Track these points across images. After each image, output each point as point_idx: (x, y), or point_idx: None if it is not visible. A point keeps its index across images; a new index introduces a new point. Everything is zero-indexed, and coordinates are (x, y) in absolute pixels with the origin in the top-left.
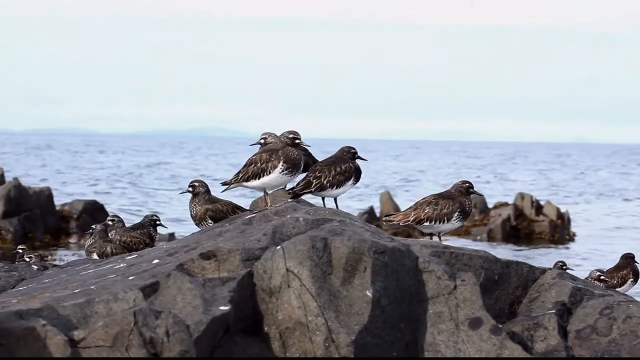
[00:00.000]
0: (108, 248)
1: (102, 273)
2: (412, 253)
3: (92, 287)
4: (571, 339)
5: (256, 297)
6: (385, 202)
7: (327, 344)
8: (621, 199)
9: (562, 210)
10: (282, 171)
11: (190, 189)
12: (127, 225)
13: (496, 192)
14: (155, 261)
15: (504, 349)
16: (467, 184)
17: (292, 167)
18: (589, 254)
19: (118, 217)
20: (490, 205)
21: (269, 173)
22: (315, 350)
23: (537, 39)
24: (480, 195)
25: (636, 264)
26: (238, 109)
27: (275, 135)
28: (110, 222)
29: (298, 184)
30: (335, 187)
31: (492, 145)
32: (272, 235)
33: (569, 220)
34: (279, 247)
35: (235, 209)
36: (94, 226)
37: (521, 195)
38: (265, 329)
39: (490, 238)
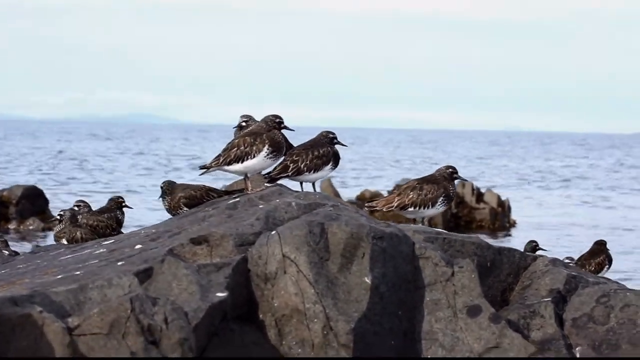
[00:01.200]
0: (78, 233)
1: (83, 258)
2: (409, 239)
3: (76, 272)
4: (567, 327)
5: (251, 283)
6: (325, 189)
7: (325, 332)
8: (559, 186)
9: (503, 198)
10: (267, 155)
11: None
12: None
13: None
14: (138, 246)
15: (504, 338)
16: (450, 169)
17: (276, 151)
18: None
19: (84, 201)
20: None
21: (254, 156)
22: (312, 339)
23: (468, 28)
24: (465, 180)
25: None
26: (170, 96)
27: (254, 118)
28: (76, 207)
29: (275, 168)
30: (312, 172)
31: (421, 134)
32: (265, 220)
33: (509, 208)
34: (274, 232)
35: (209, 191)
36: (61, 211)
37: (462, 183)
38: (261, 316)
39: (431, 225)
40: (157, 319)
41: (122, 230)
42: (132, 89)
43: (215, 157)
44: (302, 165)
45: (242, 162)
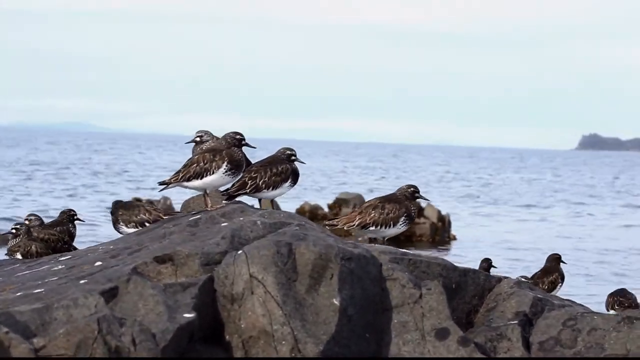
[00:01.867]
0: (33, 247)
1: (41, 275)
2: (377, 260)
3: (36, 290)
4: (534, 350)
5: (217, 303)
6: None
7: (293, 354)
8: (497, 200)
9: (443, 212)
10: (226, 172)
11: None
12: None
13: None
14: (98, 263)
15: None
16: (412, 188)
17: (235, 168)
18: (469, 256)
19: (35, 215)
20: None
21: (212, 173)
22: None
23: (426, 39)
24: (426, 200)
25: (562, 264)
26: (102, 105)
27: (211, 134)
28: (26, 222)
29: (233, 184)
30: (271, 189)
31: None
32: (231, 239)
33: (449, 222)
34: (240, 252)
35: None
36: (17, 224)
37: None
38: (227, 337)
39: (372, 240)
40: (124, 340)
41: (75, 243)
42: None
43: (175, 173)
44: (260, 182)
45: (201, 179)
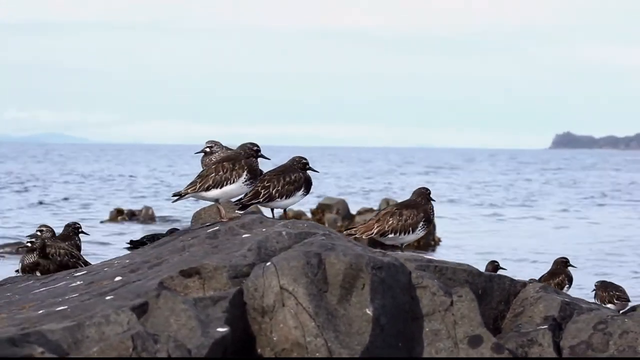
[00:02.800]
0: (51, 266)
1: (60, 292)
2: (405, 268)
3: (60, 308)
4: (566, 355)
5: (247, 316)
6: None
7: None
8: (486, 203)
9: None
10: (245, 181)
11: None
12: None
13: (355, 196)
14: (118, 278)
15: None
16: (427, 191)
17: (254, 178)
18: (455, 259)
19: (47, 226)
20: (353, 212)
21: (233, 182)
22: None
23: (388, 43)
24: (434, 200)
25: (570, 267)
26: (78, 115)
27: (221, 144)
28: (38, 232)
29: (246, 194)
30: (284, 198)
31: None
32: (258, 251)
33: (433, 225)
34: (269, 263)
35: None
36: (32, 238)
37: (386, 201)
38: (259, 350)
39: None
40: (160, 357)
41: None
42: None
43: (191, 183)
44: (273, 192)
45: (220, 188)
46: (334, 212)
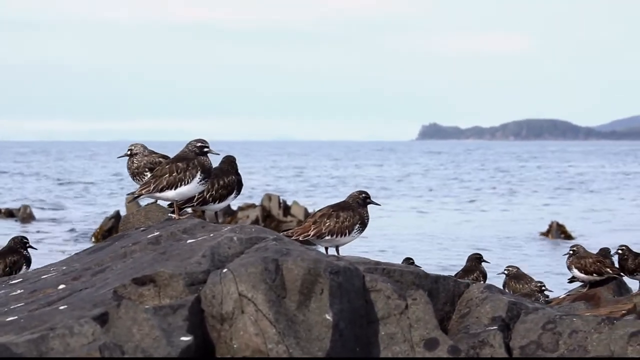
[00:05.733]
0: None
1: (1, 301)
2: (359, 272)
3: (9, 318)
4: (516, 355)
5: (205, 324)
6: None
7: None
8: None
9: (310, 210)
10: (200, 181)
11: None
12: None
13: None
14: (62, 286)
15: None
16: (364, 194)
17: (207, 177)
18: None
19: None
20: (234, 207)
21: (187, 183)
22: None
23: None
24: (378, 204)
25: (483, 263)
26: None
27: (143, 146)
28: None
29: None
30: (217, 202)
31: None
32: (212, 257)
33: None
34: (226, 270)
35: None
36: None
37: (268, 196)
38: (219, 358)
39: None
40: None
41: None
42: None
43: (144, 184)
44: (207, 196)
45: (175, 189)
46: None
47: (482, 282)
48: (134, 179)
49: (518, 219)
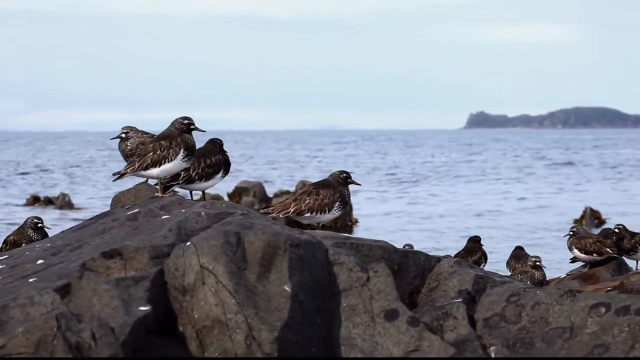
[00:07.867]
0: None
1: None
2: (323, 245)
3: None
4: (479, 327)
5: (168, 296)
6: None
7: (248, 342)
8: (395, 183)
9: None
10: (183, 158)
11: None
12: None
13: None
14: (40, 261)
15: (423, 340)
16: (344, 174)
17: (191, 154)
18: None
19: None
20: (270, 194)
21: (171, 160)
22: (235, 349)
23: (279, 27)
24: (359, 184)
25: (483, 246)
26: None
27: (137, 129)
28: None
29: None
30: (204, 180)
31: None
32: (178, 231)
33: (350, 206)
34: (189, 243)
35: None
36: None
37: (303, 183)
38: (180, 328)
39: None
40: (84, 336)
41: None
42: None
43: (130, 163)
44: (193, 174)
45: (159, 167)
46: (250, 196)
47: (483, 262)
48: (127, 161)
49: None
